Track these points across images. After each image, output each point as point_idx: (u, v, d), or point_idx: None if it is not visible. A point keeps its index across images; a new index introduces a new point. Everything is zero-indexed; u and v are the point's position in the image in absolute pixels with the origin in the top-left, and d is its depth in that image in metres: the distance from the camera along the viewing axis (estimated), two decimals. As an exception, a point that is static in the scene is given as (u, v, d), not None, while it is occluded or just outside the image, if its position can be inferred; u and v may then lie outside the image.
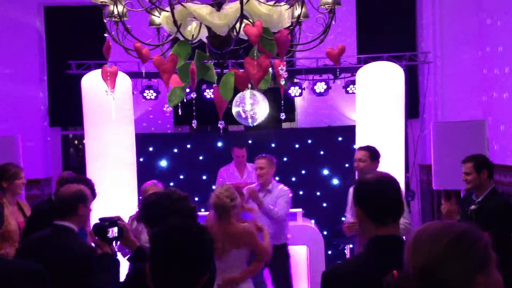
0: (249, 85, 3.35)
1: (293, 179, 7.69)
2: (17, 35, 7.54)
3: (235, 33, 2.90)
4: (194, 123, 3.14)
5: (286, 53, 2.92)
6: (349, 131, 7.09)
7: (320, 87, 7.45)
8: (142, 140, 7.36)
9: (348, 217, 4.87)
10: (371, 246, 2.18)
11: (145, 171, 6.96)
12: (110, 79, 3.28)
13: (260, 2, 2.87)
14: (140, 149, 7.10)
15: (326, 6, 2.96)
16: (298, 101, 8.15)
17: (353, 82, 7.29)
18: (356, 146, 6.39)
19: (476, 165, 4.46)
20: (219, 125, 3.12)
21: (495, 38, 6.52)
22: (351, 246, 6.67)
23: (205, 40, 3.06)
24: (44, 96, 7.82)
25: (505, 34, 6.27)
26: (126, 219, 4.18)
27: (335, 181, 7.71)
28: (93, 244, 3.17)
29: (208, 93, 7.29)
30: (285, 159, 7.71)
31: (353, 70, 7.19)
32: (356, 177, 5.26)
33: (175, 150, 7.77)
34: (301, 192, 7.62)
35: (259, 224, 4.68)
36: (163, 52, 3.20)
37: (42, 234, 3.19)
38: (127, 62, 6.78)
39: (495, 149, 6.49)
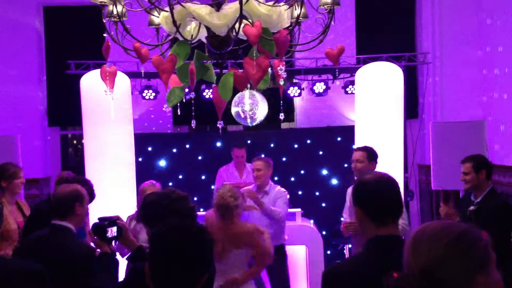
0: (248, 85, 3.35)
1: (292, 179, 7.70)
2: (17, 35, 7.54)
3: (234, 33, 2.90)
4: (193, 123, 3.14)
5: (285, 53, 2.92)
6: (348, 131, 7.09)
7: (319, 87, 7.45)
8: (141, 140, 7.36)
9: (345, 217, 4.88)
10: (371, 246, 2.19)
11: (144, 171, 6.96)
12: (109, 79, 3.28)
13: (260, 2, 2.87)
14: (139, 149, 7.10)
15: (325, 6, 2.96)
16: (297, 101, 8.15)
17: (352, 83, 7.29)
18: (355, 146, 6.40)
19: (475, 165, 4.46)
20: (218, 125, 3.12)
21: (496, 38, 6.52)
22: (350, 246, 6.68)
23: (204, 40, 3.06)
24: (43, 96, 7.82)
25: (506, 34, 6.26)
26: (124, 219, 4.18)
27: (334, 181, 7.71)
28: (92, 244, 3.17)
29: (207, 93, 7.29)
30: (284, 159, 7.71)
31: (352, 71, 7.19)
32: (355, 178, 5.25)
33: (174, 150, 7.77)
34: (300, 192, 7.62)
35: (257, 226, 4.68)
36: (162, 52, 3.20)
37: (40, 234, 3.19)
38: (126, 62, 6.78)
39: (495, 149, 6.49)
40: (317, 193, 7.73)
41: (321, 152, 7.76)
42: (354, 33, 7.90)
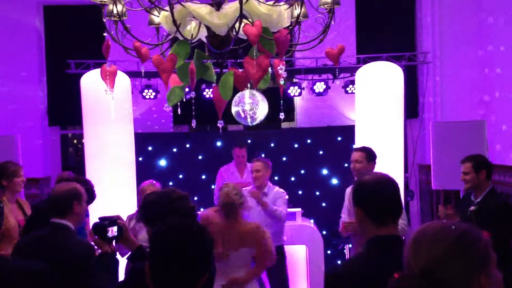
0: (249, 85, 3.35)
1: (292, 178, 7.70)
2: (17, 34, 7.54)
3: (234, 33, 2.90)
4: (194, 123, 3.14)
5: (286, 52, 2.92)
6: (349, 131, 7.09)
7: (320, 87, 7.45)
8: (142, 140, 7.36)
9: (343, 217, 4.88)
10: (371, 246, 2.19)
11: (144, 171, 6.96)
12: (109, 78, 3.27)
13: (260, 1, 2.87)
14: (139, 148, 7.10)
15: (325, 6, 2.95)
16: (297, 101, 8.15)
17: (352, 82, 7.29)
18: (355, 146, 6.40)
19: (475, 165, 4.46)
20: (218, 125, 3.12)
21: (498, 37, 6.50)
22: (350, 246, 6.68)
23: (204, 39, 3.06)
24: (43, 95, 7.82)
25: (508, 33, 6.25)
26: (124, 218, 4.18)
27: (335, 181, 7.71)
28: (92, 243, 3.17)
29: (208, 93, 7.29)
30: (284, 158, 7.71)
31: (352, 70, 7.19)
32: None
33: (175, 150, 7.77)
34: (300, 192, 7.62)
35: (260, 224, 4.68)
36: (163, 52, 3.19)
37: (40, 233, 3.19)
38: (127, 62, 6.78)
39: (496, 149, 6.48)
40: (317, 193, 7.73)
41: (321, 152, 7.76)
42: (354, 32, 7.90)
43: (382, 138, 6.17)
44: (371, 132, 6.29)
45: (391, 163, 5.98)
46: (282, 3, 2.96)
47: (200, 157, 7.77)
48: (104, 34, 3.07)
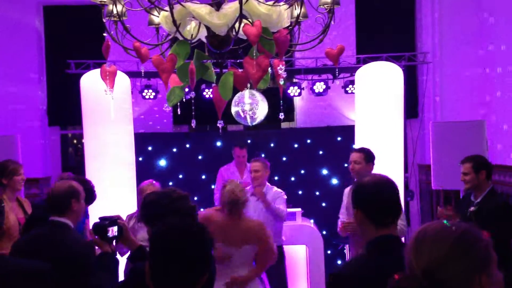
0: (248, 85, 3.35)
1: (292, 178, 7.70)
2: (17, 34, 7.54)
3: (234, 33, 2.90)
4: (193, 123, 3.14)
5: (285, 53, 2.92)
6: (348, 131, 7.09)
7: (319, 87, 7.45)
8: (141, 140, 7.36)
9: (342, 218, 4.88)
10: (371, 248, 2.20)
11: (144, 171, 6.96)
12: (109, 78, 3.27)
13: (259, 2, 2.87)
14: (139, 148, 7.10)
15: (325, 6, 2.96)
16: (297, 101, 8.15)
17: (352, 82, 7.29)
18: (355, 146, 6.40)
19: (474, 166, 4.47)
20: (218, 125, 3.12)
21: (499, 37, 6.49)
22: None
23: (204, 39, 3.06)
24: (43, 95, 7.82)
25: (509, 32, 6.23)
26: (124, 218, 4.18)
27: (334, 181, 7.71)
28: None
29: (207, 93, 7.29)
30: (284, 159, 7.71)
31: (352, 70, 7.19)
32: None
33: (174, 150, 7.77)
34: (300, 192, 7.62)
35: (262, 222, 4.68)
36: (162, 52, 3.20)
37: (39, 231, 3.18)
38: (126, 62, 6.78)
39: (497, 149, 6.47)
40: (317, 193, 7.73)
41: (321, 152, 7.76)
42: (354, 32, 7.90)
43: (382, 138, 6.17)
44: (371, 132, 6.29)
45: (391, 163, 5.99)
46: (282, 3, 2.97)
47: (200, 157, 7.77)
48: (104, 34, 3.07)
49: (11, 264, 2.53)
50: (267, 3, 2.94)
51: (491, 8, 6.69)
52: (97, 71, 5.80)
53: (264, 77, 3.02)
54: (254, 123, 3.73)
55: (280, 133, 8.09)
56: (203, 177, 7.66)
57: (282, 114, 3.22)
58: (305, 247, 6.09)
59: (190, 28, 3.09)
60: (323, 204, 7.66)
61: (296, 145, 7.79)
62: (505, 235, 4.18)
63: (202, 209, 5.33)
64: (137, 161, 6.76)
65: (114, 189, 6.08)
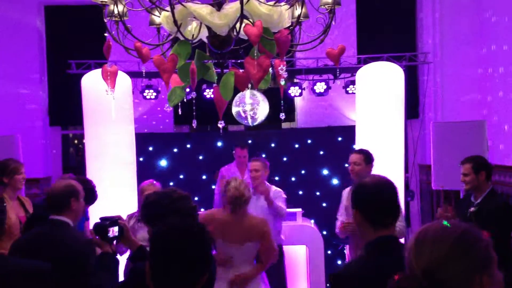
0: (249, 85, 3.35)
1: (293, 179, 7.70)
2: (17, 34, 7.55)
3: (235, 33, 2.90)
4: (194, 123, 3.15)
5: (286, 53, 2.92)
6: (349, 131, 7.09)
7: (320, 87, 7.45)
8: (142, 140, 7.36)
9: (340, 219, 4.89)
10: (370, 249, 2.21)
11: (145, 171, 6.96)
12: (110, 78, 3.28)
13: (260, 2, 2.87)
14: (140, 148, 7.10)
15: (326, 6, 2.96)
16: (298, 101, 8.15)
17: (353, 82, 7.29)
18: (356, 146, 6.41)
19: (474, 166, 4.47)
20: (219, 125, 3.12)
21: (501, 36, 6.47)
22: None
23: (205, 40, 3.06)
24: (44, 96, 7.83)
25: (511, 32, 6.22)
26: (124, 217, 4.18)
27: (335, 181, 7.71)
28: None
29: (208, 93, 7.29)
30: (285, 159, 7.72)
31: (353, 70, 7.19)
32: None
33: (175, 150, 7.78)
34: (300, 192, 7.62)
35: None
36: (163, 52, 3.20)
37: (39, 229, 3.19)
38: (127, 62, 6.78)
39: (499, 149, 6.46)
40: (317, 193, 7.73)
41: (321, 152, 7.76)
42: (355, 33, 7.90)
43: (382, 138, 6.17)
44: (372, 132, 6.29)
45: (391, 163, 5.99)
46: (283, 3, 2.97)
47: (200, 157, 7.77)
48: (105, 34, 3.07)
49: (11, 264, 2.53)
50: (268, 3, 2.94)
51: (493, 7, 6.67)
52: (98, 71, 5.78)
53: (265, 77, 3.02)
54: (255, 123, 3.74)
55: (280, 133, 8.09)
56: (204, 177, 7.67)
57: (283, 114, 3.22)
58: (305, 247, 6.09)
59: (191, 28, 3.09)
60: (324, 204, 7.66)
61: (296, 145, 7.80)
62: (505, 235, 4.19)
63: (202, 209, 5.35)
64: (138, 161, 6.77)
65: (115, 189, 6.08)
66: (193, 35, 3.06)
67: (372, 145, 5.27)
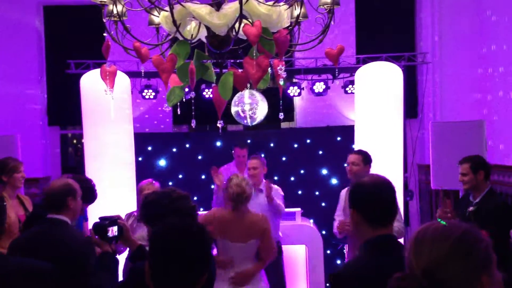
0: (248, 85, 3.35)
1: (292, 178, 7.70)
2: (16, 34, 7.54)
3: (234, 33, 2.90)
4: (193, 123, 3.15)
5: (285, 53, 2.93)
6: (348, 131, 7.09)
7: (319, 87, 7.45)
8: (141, 140, 7.36)
9: (338, 219, 4.90)
10: (369, 248, 2.21)
11: (144, 171, 6.96)
12: (109, 78, 3.28)
13: (259, 2, 2.87)
14: (139, 148, 7.10)
15: (325, 6, 2.96)
16: (297, 101, 8.15)
17: (352, 82, 7.29)
18: (355, 146, 6.41)
19: (473, 166, 4.47)
20: (218, 125, 3.13)
21: (501, 36, 6.46)
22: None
23: (204, 39, 3.07)
24: (43, 95, 7.82)
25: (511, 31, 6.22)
26: (123, 216, 4.19)
27: (334, 181, 7.71)
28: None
29: (207, 93, 7.29)
30: (284, 158, 7.72)
31: (352, 70, 7.19)
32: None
33: (174, 150, 7.77)
34: (300, 192, 7.62)
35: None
36: (162, 52, 3.20)
37: (37, 228, 3.18)
38: (126, 62, 6.78)
39: (500, 149, 6.46)
40: (317, 193, 7.73)
41: (320, 152, 7.76)
42: (354, 33, 7.90)
43: (381, 138, 6.17)
44: (371, 132, 6.30)
45: (390, 163, 5.99)
46: (281, 3, 2.97)
47: (199, 157, 7.77)
48: (104, 34, 3.08)
49: (11, 263, 2.53)
50: (267, 3, 2.94)
51: (493, 7, 6.67)
52: (97, 71, 5.79)
53: (264, 77, 3.03)
54: (254, 123, 3.74)
55: (279, 133, 8.09)
56: (203, 177, 7.66)
57: (282, 114, 3.23)
58: (305, 247, 6.09)
59: (190, 28, 3.09)
60: (323, 204, 7.66)
61: (295, 145, 7.80)
62: (504, 235, 4.19)
63: (202, 209, 5.35)
64: (137, 161, 6.77)
65: (114, 189, 6.08)
66: (192, 35, 3.06)
67: (371, 145, 5.28)
